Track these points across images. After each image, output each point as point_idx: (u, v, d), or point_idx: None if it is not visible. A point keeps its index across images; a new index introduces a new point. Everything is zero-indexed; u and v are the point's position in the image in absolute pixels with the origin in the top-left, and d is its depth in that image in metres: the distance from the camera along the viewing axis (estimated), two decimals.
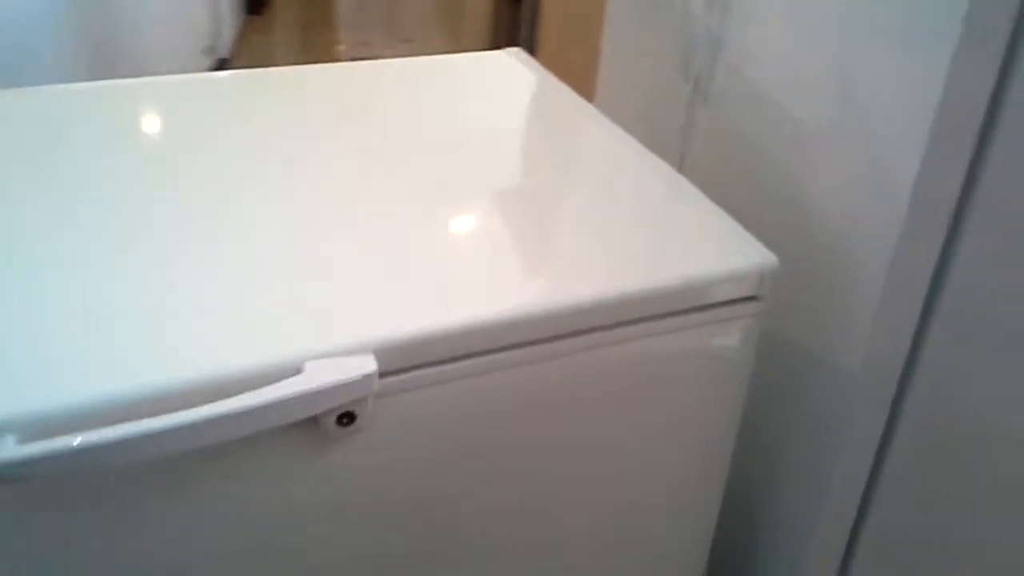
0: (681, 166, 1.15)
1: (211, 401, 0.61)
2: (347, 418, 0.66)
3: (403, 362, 0.67)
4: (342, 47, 3.32)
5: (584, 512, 0.82)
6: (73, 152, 0.86)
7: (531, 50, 2.82)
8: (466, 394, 0.70)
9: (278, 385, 0.62)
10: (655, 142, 0.98)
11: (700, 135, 1.12)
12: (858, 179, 0.82)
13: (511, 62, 1.14)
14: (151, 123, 0.94)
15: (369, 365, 0.64)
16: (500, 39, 3.20)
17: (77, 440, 0.57)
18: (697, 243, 0.78)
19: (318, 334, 0.65)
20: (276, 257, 0.73)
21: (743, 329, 0.79)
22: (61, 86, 1.00)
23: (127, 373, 0.61)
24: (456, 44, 3.45)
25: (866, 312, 0.82)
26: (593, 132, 0.97)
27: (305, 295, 0.69)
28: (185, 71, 2.61)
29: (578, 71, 1.45)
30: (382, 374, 0.65)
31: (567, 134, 0.97)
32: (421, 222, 0.79)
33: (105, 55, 1.98)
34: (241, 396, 0.61)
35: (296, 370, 0.63)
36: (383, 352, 0.65)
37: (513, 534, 0.79)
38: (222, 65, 2.92)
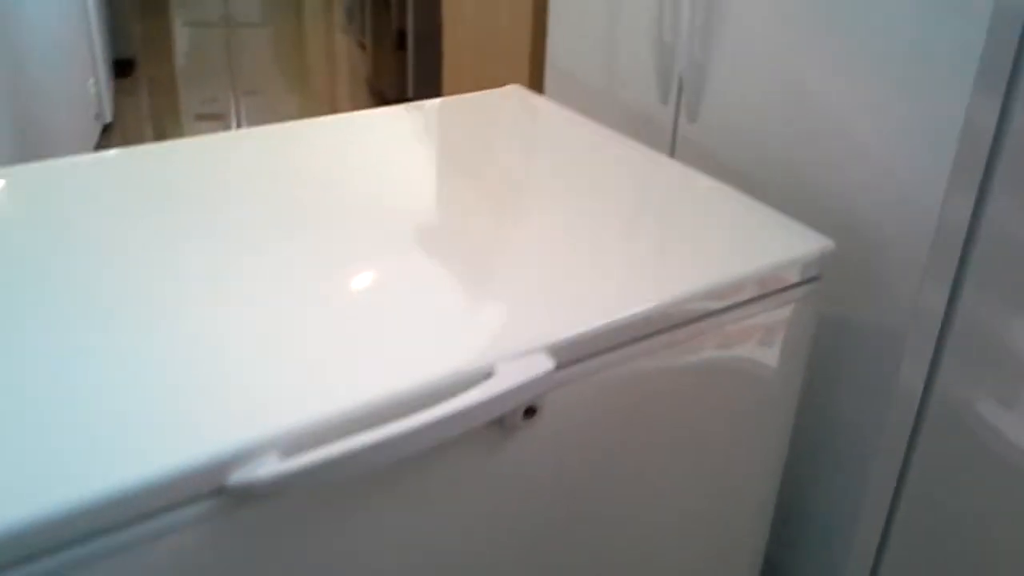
0: None
1: (428, 407, 0.67)
2: (530, 411, 0.73)
3: (570, 356, 0.75)
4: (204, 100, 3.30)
5: (678, 477, 0.92)
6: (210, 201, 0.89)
7: (433, 94, 2.91)
8: (616, 379, 0.79)
9: (483, 386, 0.69)
10: None
11: (690, 149, 1.25)
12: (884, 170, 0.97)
13: (521, 96, 1.24)
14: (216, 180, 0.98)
15: (549, 362, 0.72)
16: (384, 86, 3.28)
17: (335, 449, 0.62)
18: (767, 236, 0.91)
19: (499, 339, 0.72)
20: (445, 280, 0.80)
21: (809, 305, 0.91)
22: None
23: (360, 387, 0.66)
24: (308, 95, 3.49)
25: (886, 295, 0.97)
26: (634, 155, 1.08)
27: (472, 309, 0.76)
28: (84, 136, 2.56)
29: None
30: (558, 367, 0.73)
31: (614, 158, 1.07)
32: (535, 244, 0.87)
33: (23, 128, 1.95)
34: (461, 396, 0.68)
35: (488, 373, 0.70)
36: (556, 349, 0.73)
37: (636, 505, 0.88)
38: (107, 129, 2.86)
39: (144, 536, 0.59)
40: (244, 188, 0.95)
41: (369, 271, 0.81)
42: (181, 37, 4.25)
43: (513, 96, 1.24)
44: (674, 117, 1.27)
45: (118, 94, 3.20)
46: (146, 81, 3.56)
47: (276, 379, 0.67)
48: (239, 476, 0.61)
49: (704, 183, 1.02)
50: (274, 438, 0.62)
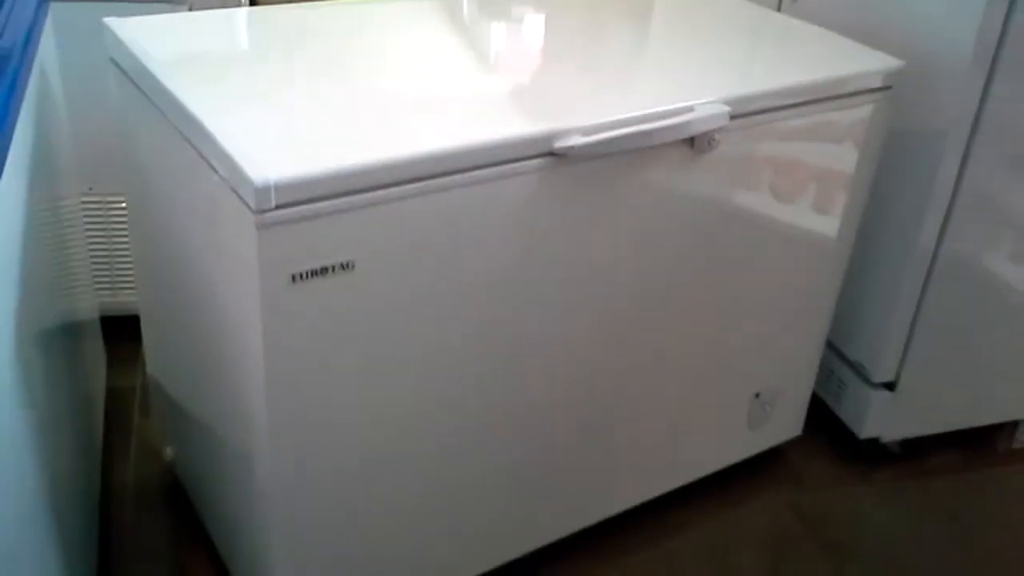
0: None
1: (658, 120, 1.11)
2: (711, 141, 1.17)
3: (737, 109, 1.18)
4: None
5: (786, 222, 1.35)
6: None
7: None
8: (763, 133, 1.22)
9: (688, 114, 1.13)
10: None
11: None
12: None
13: None
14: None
15: (726, 109, 1.16)
16: None
17: (610, 134, 1.06)
18: (858, 56, 1.34)
19: (696, 93, 1.16)
20: (656, 59, 1.23)
21: (883, 108, 1.34)
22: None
23: (623, 106, 1.10)
24: None
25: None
26: (748, 10, 1.51)
27: (679, 74, 1.20)
28: None
29: None
30: (731, 117, 1.17)
31: (742, 15, 1.50)
32: (695, 49, 1.31)
33: None
34: (676, 117, 1.11)
35: (691, 109, 1.14)
36: (730, 101, 1.16)
37: (757, 241, 1.32)
38: None
39: (510, 172, 1.03)
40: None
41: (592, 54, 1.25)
42: None
43: None
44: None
45: None
46: None
47: (577, 98, 1.12)
48: (559, 143, 1.05)
49: (811, 28, 1.44)
50: (578, 126, 1.06)
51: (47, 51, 1.33)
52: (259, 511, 1.10)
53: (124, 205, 1.68)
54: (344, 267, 0.97)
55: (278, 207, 0.90)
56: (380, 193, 0.96)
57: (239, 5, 2.19)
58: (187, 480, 1.46)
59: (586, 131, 1.06)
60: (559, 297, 1.17)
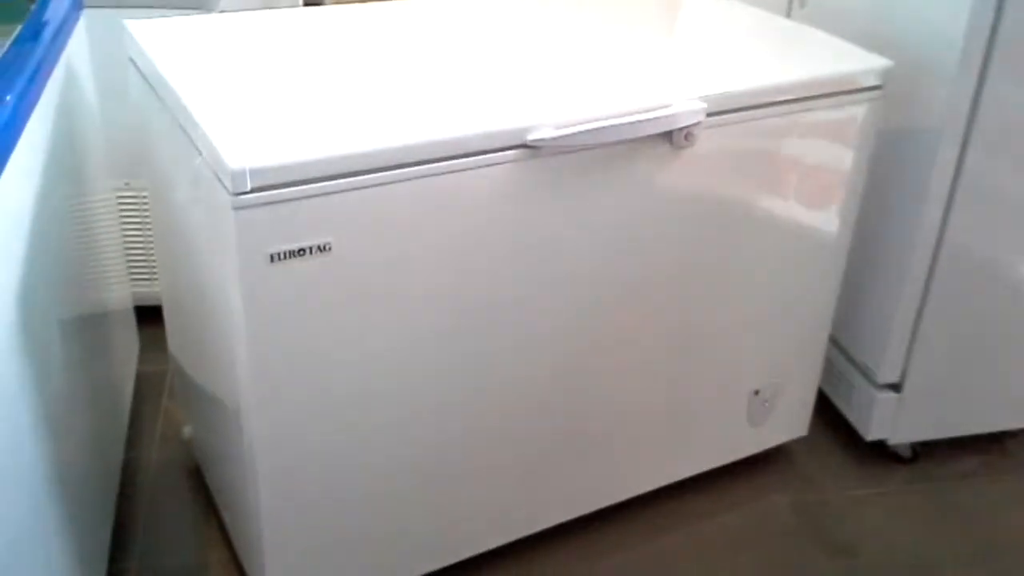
0: None
1: (635, 114, 1.15)
2: (688, 137, 1.20)
3: (715, 107, 1.21)
4: None
5: (775, 229, 1.37)
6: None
7: None
8: (746, 132, 1.25)
9: (664, 109, 1.16)
10: None
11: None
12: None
13: None
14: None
15: (702, 105, 1.19)
16: None
17: (584, 127, 1.11)
18: (848, 55, 1.35)
19: (671, 89, 1.19)
20: (643, 61, 1.28)
21: (875, 107, 1.35)
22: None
23: (597, 103, 1.15)
24: None
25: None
26: (764, 15, 1.53)
27: (658, 75, 1.24)
28: None
29: None
30: (708, 114, 1.19)
31: (734, 17, 1.53)
32: (690, 52, 1.34)
33: None
34: (655, 110, 1.15)
35: (668, 104, 1.17)
36: (709, 99, 1.20)
37: (742, 240, 1.34)
38: None
39: (483, 163, 1.08)
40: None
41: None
42: None
43: None
44: (788, 3, 1.71)
45: None
46: None
47: (553, 93, 1.17)
48: (532, 136, 1.09)
49: (807, 30, 1.46)
50: (551, 120, 1.10)
51: (79, 55, 1.44)
52: (249, 479, 1.17)
53: None
54: (321, 249, 1.03)
55: (254, 190, 0.97)
56: (354, 180, 1.02)
57: (294, 6, 2.29)
58: (201, 458, 1.54)
59: (558, 125, 1.11)
60: (534, 291, 1.21)
